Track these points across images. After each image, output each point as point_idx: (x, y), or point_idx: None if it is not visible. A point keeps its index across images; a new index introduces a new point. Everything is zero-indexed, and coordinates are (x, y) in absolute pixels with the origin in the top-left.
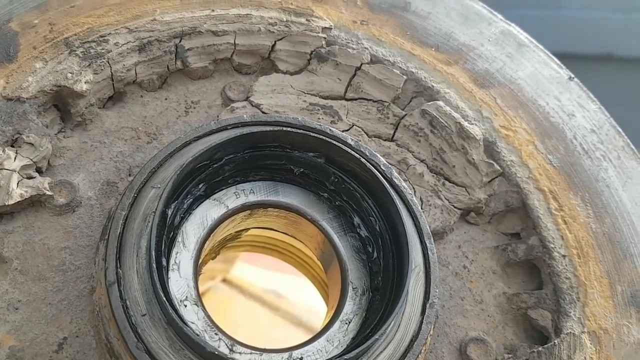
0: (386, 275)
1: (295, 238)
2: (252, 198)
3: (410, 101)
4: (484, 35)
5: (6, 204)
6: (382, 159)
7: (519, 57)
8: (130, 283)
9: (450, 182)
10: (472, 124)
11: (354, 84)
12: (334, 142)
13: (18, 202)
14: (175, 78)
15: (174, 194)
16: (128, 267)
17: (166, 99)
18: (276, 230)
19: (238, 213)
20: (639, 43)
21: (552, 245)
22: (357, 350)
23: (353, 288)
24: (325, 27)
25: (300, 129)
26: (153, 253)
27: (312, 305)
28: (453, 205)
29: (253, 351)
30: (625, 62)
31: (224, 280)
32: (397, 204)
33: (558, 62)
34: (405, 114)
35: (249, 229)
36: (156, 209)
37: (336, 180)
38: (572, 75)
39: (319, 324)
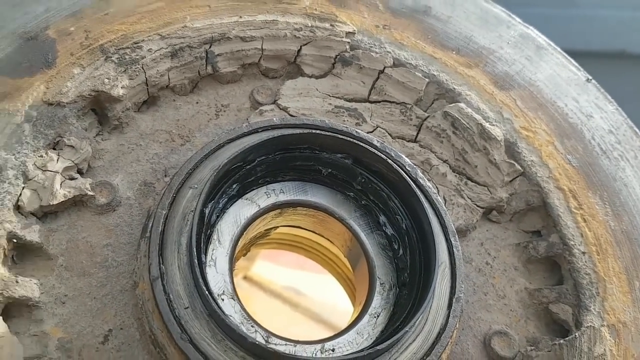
0: (413, 271)
1: (323, 236)
2: (282, 197)
3: (433, 103)
4: (503, 39)
5: (51, 203)
6: (407, 159)
7: (538, 59)
8: (172, 278)
9: (472, 181)
10: (493, 125)
11: (378, 87)
12: (361, 144)
13: (62, 202)
14: (206, 82)
15: (211, 194)
16: (170, 263)
17: (197, 102)
18: (304, 229)
19: (269, 212)
20: None
21: (572, 243)
22: (388, 342)
23: (380, 283)
24: (349, 32)
25: (328, 131)
26: (194, 250)
27: (331, 302)
28: (475, 204)
29: (287, 342)
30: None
31: (245, 278)
32: (424, 203)
33: (576, 64)
34: (428, 116)
35: (278, 227)
36: (195, 208)
37: (363, 180)
38: (590, 77)
39: (337, 320)
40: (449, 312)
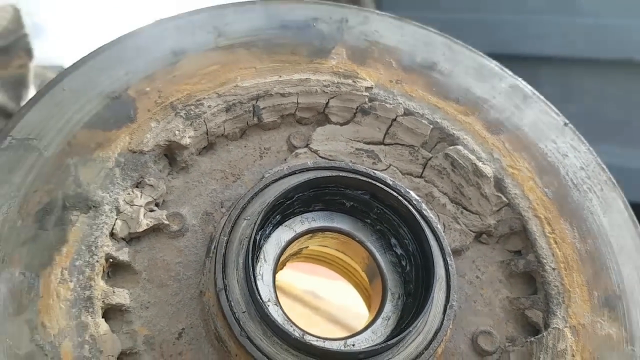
0: (417, 284)
1: (345, 254)
2: (314, 224)
3: (436, 145)
4: (495, 89)
5: (137, 231)
6: (414, 194)
7: (524, 107)
8: (233, 289)
9: (467, 210)
10: (485, 164)
11: (391, 132)
12: (377, 183)
13: (145, 229)
14: (252, 130)
15: (262, 225)
16: (231, 278)
17: (245, 146)
18: (330, 247)
19: (303, 236)
20: None
21: (545, 261)
22: (396, 339)
23: (391, 293)
24: (368, 87)
25: (351, 172)
26: (250, 268)
27: (346, 305)
28: (469, 229)
29: (318, 339)
30: None
31: None
32: (425, 230)
33: (556, 110)
34: (432, 156)
35: (309, 246)
36: (250, 236)
37: (378, 211)
38: (567, 122)
39: (351, 321)
40: (444, 317)
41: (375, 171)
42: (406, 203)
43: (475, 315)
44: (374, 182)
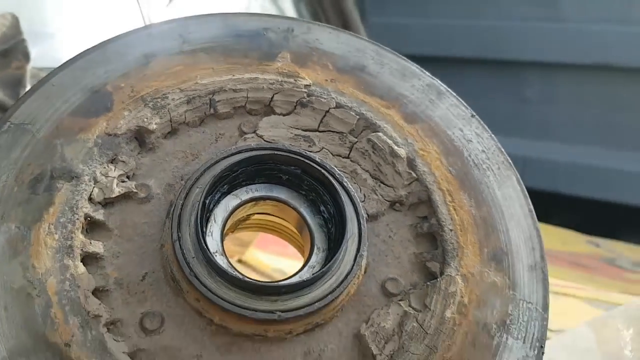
0: (336, 240)
1: (285, 220)
2: (257, 194)
3: (361, 132)
4: (414, 87)
5: (111, 196)
6: (337, 170)
7: (438, 101)
8: (185, 240)
9: (384, 184)
10: (400, 147)
11: (324, 122)
12: (306, 160)
13: (117, 195)
14: (209, 119)
15: (210, 192)
16: (184, 232)
17: (203, 132)
18: (272, 215)
19: (247, 203)
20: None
21: (444, 224)
22: (315, 276)
23: (317, 248)
24: (307, 85)
25: (285, 152)
26: (199, 223)
27: None
28: (384, 199)
29: (255, 280)
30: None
31: (239, 261)
32: (343, 198)
33: (465, 104)
34: (357, 141)
35: (254, 214)
36: (200, 200)
37: (309, 183)
38: (474, 113)
39: None
40: (354, 263)
41: (306, 151)
42: (328, 176)
43: (386, 267)
44: (303, 159)
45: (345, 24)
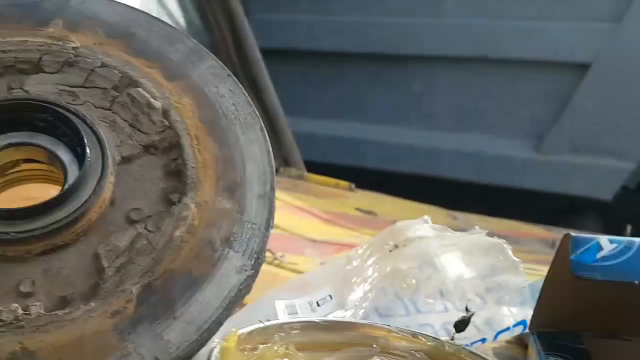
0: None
1: (48, 165)
2: (15, 140)
3: (125, 88)
4: (178, 51)
5: None
6: (89, 117)
7: (199, 63)
8: None
9: (140, 131)
10: (157, 100)
11: (90, 79)
12: (56, 108)
13: None
14: None
15: None
16: None
17: None
18: (38, 162)
19: (6, 148)
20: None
21: (188, 163)
22: (45, 203)
23: (67, 184)
24: (75, 47)
25: (37, 101)
26: None
27: None
28: (139, 144)
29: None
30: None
31: None
32: (86, 139)
33: (222, 65)
34: (119, 95)
35: (21, 160)
36: None
37: (63, 129)
38: (230, 73)
39: None
40: (92, 193)
41: (57, 100)
42: (80, 121)
43: (134, 200)
44: (53, 106)
45: (230, 18)
